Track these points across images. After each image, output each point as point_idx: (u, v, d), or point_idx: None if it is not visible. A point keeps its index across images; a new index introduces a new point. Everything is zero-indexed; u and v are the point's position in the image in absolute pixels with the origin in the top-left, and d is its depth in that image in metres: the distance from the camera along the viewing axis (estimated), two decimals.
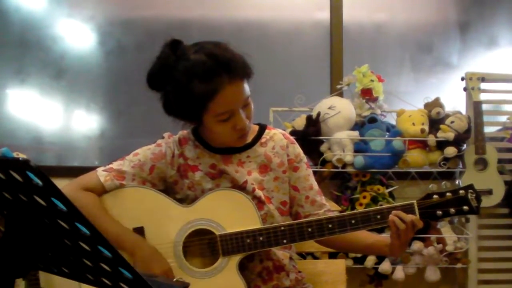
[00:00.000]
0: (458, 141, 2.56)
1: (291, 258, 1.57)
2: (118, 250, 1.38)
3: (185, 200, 1.52)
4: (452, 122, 2.56)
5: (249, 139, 1.55)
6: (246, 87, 1.41)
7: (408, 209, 1.42)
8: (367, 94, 2.56)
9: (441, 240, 2.54)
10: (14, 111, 2.92)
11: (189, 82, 1.35)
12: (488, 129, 2.73)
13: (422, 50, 3.07)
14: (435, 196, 1.43)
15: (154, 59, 1.43)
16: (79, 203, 1.42)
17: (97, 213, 1.44)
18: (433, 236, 2.52)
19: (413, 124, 2.55)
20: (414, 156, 2.56)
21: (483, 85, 2.67)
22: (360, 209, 2.36)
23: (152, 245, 1.43)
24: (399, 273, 2.53)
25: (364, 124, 2.56)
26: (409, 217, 1.39)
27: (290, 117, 2.63)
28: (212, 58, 1.35)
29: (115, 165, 1.50)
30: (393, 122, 2.64)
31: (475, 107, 2.61)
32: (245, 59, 1.41)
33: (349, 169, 2.53)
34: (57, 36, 2.92)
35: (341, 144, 2.51)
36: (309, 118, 2.53)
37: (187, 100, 1.38)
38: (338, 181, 2.66)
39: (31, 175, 0.69)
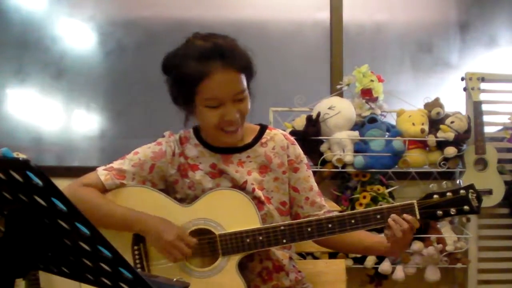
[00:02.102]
0: (458, 141, 2.56)
1: (290, 258, 1.57)
2: (128, 229, 1.42)
3: (185, 200, 1.52)
4: (452, 122, 2.56)
5: (250, 139, 1.55)
6: (242, 81, 1.42)
7: (408, 209, 1.42)
8: (367, 94, 2.56)
9: (441, 240, 2.54)
10: (14, 111, 2.91)
11: (186, 62, 1.40)
12: (488, 129, 2.73)
13: (422, 50, 3.07)
14: (435, 196, 1.42)
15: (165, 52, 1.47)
16: (82, 195, 1.43)
17: (101, 201, 1.45)
18: (433, 236, 2.52)
19: (413, 124, 2.55)
20: (414, 156, 2.56)
21: (483, 85, 2.67)
22: (360, 209, 2.36)
23: (159, 217, 1.43)
24: (399, 273, 2.53)
25: (364, 124, 2.56)
26: (405, 224, 1.39)
27: (290, 117, 2.63)
28: (211, 43, 1.40)
29: (115, 164, 1.51)
30: (393, 122, 2.64)
31: (475, 107, 2.62)
32: (249, 56, 1.44)
33: (349, 169, 2.53)
34: (57, 36, 2.92)
35: (341, 144, 2.51)
36: (309, 118, 2.53)
37: (182, 80, 1.41)
38: (338, 181, 2.66)
39: (31, 175, 0.69)
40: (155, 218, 1.43)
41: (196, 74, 1.38)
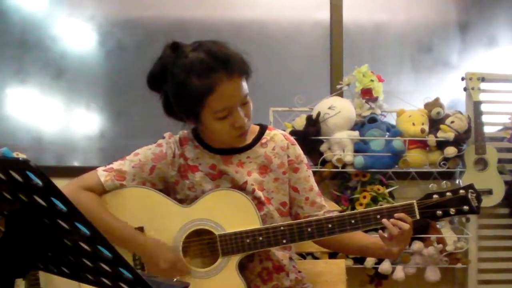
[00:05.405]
0: (458, 141, 2.56)
1: (290, 259, 1.57)
2: (121, 246, 1.39)
3: (185, 201, 1.51)
4: (452, 122, 2.56)
5: (250, 139, 1.54)
6: (245, 85, 1.41)
7: (408, 209, 1.42)
8: (367, 94, 2.56)
9: (441, 240, 2.54)
10: (14, 111, 2.91)
11: (187, 78, 1.36)
12: (488, 129, 2.73)
13: (422, 50, 3.07)
14: (435, 196, 1.43)
15: (155, 60, 1.44)
16: (79, 202, 1.41)
17: (98, 211, 1.43)
18: (433, 236, 2.52)
19: (413, 124, 2.55)
20: (414, 156, 2.56)
21: (483, 85, 2.67)
22: (360, 209, 2.36)
23: (155, 239, 1.43)
24: (399, 273, 2.53)
25: (364, 124, 2.56)
26: (403, 225, 1.38)
27: (290, 117, 2.63)
28: (210, 55, 1.36)
29: (115, 165, 1.50)
30: (393, 122, 2.64)
31: (475, 107, 2.62)
32: (243, 57, 1.42)
33: (349, 169, 2.53)
34: (57, 36, 2.92)
35: (341, 144, 2.51)
36: (309, 118, 2.53)
37: (185, 97, 1.38)
38: (338, 181, 2.66)
39: (31, 175, 0.69)
40: (152, 240, 1.43)
41: (203, 90, 1.35)
